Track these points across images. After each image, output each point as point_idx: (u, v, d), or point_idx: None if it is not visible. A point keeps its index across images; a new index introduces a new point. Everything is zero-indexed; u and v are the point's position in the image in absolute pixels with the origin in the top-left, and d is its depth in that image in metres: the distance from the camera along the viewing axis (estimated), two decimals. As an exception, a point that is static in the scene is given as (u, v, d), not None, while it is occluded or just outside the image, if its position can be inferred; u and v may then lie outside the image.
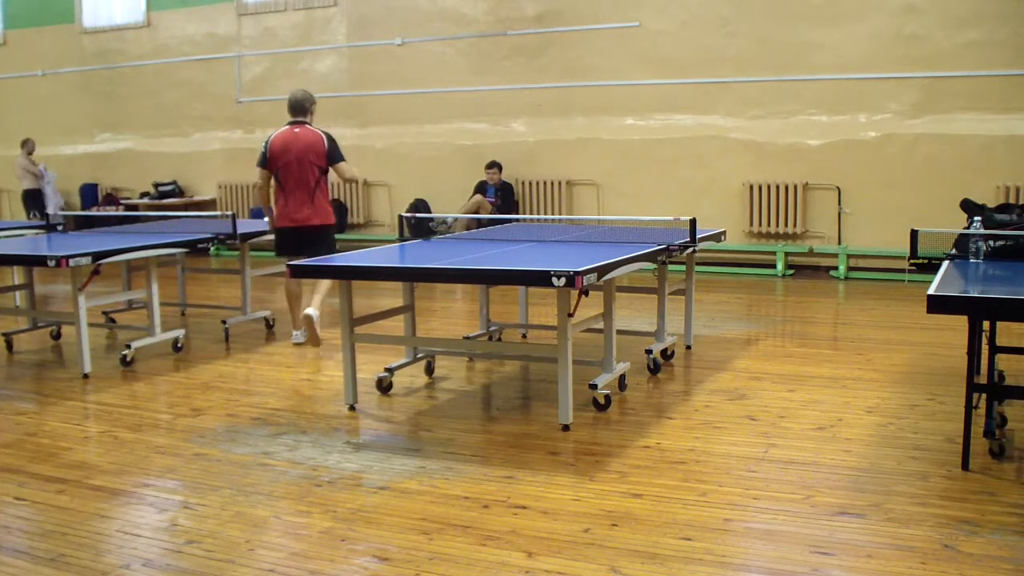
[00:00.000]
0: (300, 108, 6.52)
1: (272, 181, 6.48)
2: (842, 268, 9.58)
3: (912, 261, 5.08)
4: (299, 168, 6.39)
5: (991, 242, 4.76)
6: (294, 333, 6.69)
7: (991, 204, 6.85)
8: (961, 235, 4.99)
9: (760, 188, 9.92)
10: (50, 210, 12.08)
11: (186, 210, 12.20)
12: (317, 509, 3.65)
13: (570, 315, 4.47)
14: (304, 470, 4.04)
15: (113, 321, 7.51)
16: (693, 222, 5.62)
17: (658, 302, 5.98)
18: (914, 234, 4.97)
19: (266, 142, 6.47)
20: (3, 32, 14.59)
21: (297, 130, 6.45)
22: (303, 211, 6.44)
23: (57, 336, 7.10)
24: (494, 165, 10.90)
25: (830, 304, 8.47)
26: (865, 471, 3.89)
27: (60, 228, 7.83)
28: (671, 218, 6.17)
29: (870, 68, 9.50)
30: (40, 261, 5.52)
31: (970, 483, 3.73)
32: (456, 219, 10.28)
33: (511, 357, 6.06)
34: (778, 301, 8.56)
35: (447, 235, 7.74)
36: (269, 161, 6.41)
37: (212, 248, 7.77)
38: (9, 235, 7.69)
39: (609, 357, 5.02)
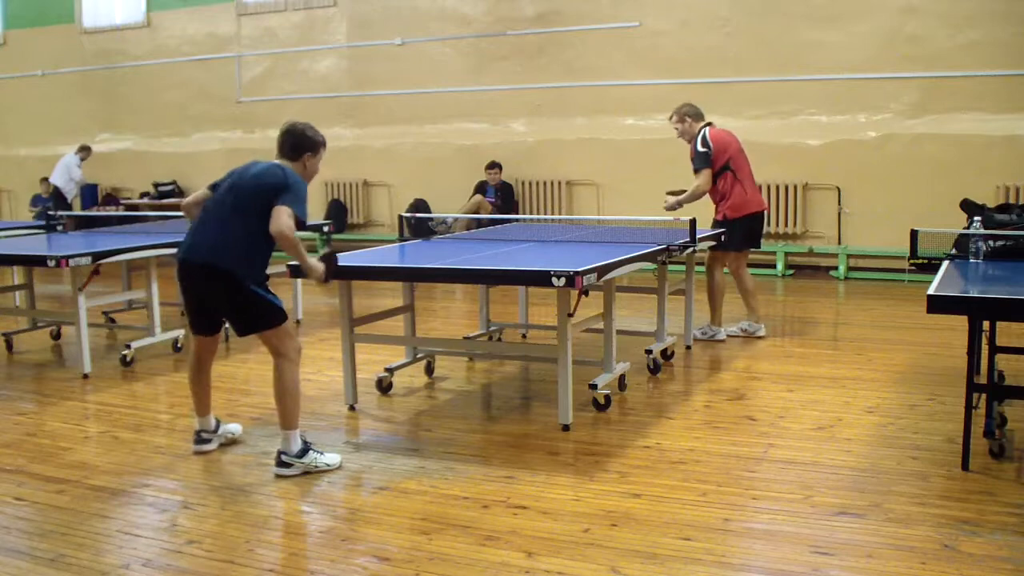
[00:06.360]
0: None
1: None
2: (842, 268, 9.58)
3: (912, 261, 5.08)
4: None
5: (991, 242, 4.76)
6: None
7: (991, 204, 6.85)
8: (961, 235, 4.99)
9: (760, 188, 9.88)
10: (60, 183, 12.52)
11: (186, 210, 12.17)
12: (317, 509, 3.65)
13: (570, 315, 4.47)
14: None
15: (113, 321, 7.51)
16: (693, 222, 5.62)
17: (658, 302, 5.98)
18: (914, 234, 4.97)
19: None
20: (3, 32, 14.60)
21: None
22: None
23: (57, 336, 7.10)
24: (494, 165, 10.90)
25: (830, 304, 8.47)
26: (865, 471, 3.89)
27: (60, 228, 7.83)
28: (671, 218, 6.17)
29: (870, 68, 9.50)
30: (40, 261, 5.52)
31: (970, 483, 3.73)
32: (456, 219, 10.28)
33: (511, 357, 6.06)
34: (778, 301, 8.55)
35: (447, 235, 7.75)
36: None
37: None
38: (9, 235, 7.68)
39: (609, 357, 5.02)
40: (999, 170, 8.97)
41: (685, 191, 6.49)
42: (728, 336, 6.61)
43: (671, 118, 6.62)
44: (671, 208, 6.46)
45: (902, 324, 7.18)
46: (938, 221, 6.44)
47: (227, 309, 4.04)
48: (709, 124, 6.56)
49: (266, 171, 4.01)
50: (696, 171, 6.47)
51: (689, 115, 6.56)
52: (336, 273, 4.29)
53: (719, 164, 6.46)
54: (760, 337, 6.61)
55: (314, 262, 4.10)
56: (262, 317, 3.97)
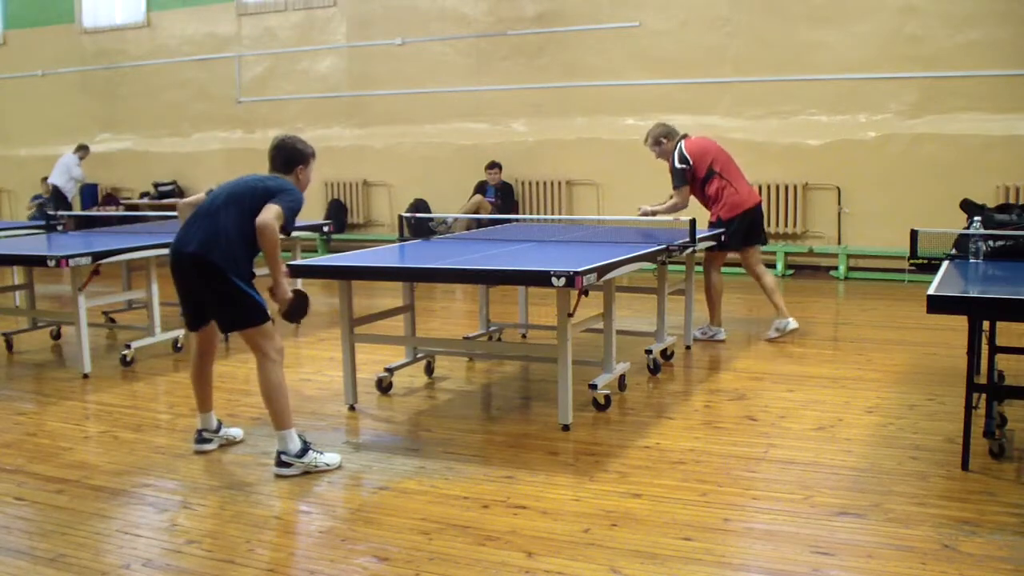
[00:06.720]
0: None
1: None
2: (842, 268, 9.58)
3: (912, 261, 5.08)
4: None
5: (991, 242, 4.76)
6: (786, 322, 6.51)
7: (991, 204, 6.85)
8: (961, 235, 4.99)
9: (760, 188, 9.89)
10: (60, 182, 12.46)
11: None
12: (317, 509, 3.65)
13: (570, 315, 4.47)
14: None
15: (113, 321, 7.51)
16: (693, 222, 5.62)
17: (658, 302, 5.98)
18: (914, 234, 4.97)
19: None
20: (3, 32, 14.60)
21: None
22: None
23: (57, 336, 7.10)
24: (494, 165, 10.90)
25: (830, 304, 8.47)
26: (865, 471, 3.89)
27: (60, 228, 7.83)
28: (671, 218, 6.17)
29: (870, 68, 9.50)
30: (40, 261, 5.52)
31: (970, 483, 3.73)
32: (456, 219, 10.28)
33: (511, 357, 6.06)
34: (778, 301, 8.55)
35: (447, 235, 7.75)
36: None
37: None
38: (9, 235, 7.69)
39: (609, 357, 5.02)
40: (999, 170, 8.97)
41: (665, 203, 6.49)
42: (766, 341, 6.57)
43: (646, 142, 6.62)
44: (645, 214, 6.45)
45: (902, 324, 7.18)
46: (938, 221, 6.43)
47: (214, 303, 4.05)
48: (684, 136, 6.55)
49: (270, 176, 4.10)
50: (674, 188, 6.45)
51: (663, 136, 6.55)
52: (298, 316, 4.17)
53: (703, 171, 6.43)
54: (793, 330, 6.50)
55: (286, 282, 4.07)
56: (246, 315, 3.99)
